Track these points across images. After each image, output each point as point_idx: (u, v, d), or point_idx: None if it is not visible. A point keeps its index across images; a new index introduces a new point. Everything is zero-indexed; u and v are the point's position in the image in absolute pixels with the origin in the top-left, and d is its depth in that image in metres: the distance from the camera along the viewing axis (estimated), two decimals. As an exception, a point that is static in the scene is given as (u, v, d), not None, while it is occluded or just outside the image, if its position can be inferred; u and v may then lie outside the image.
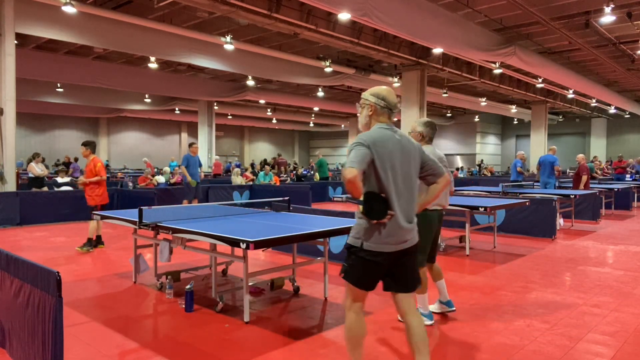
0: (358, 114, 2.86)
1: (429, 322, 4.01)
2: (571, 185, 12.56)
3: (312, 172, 23.98)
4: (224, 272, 5.70)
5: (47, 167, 15.56)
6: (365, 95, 2.81)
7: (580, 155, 12.24)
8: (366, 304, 2.81)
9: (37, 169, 12.25)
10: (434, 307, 4.33)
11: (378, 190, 2.62)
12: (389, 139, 2.68)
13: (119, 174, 21.96)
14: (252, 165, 19.92)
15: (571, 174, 19.48)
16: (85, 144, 7.31)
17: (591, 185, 12.87)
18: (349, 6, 9.53)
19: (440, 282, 4.28)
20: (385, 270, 2.69)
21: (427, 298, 4.05)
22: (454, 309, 4.30)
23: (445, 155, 4.28)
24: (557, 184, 12.05)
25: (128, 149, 33.76)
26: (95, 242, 7.28)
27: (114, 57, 17.40)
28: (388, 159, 2.63)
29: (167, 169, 19.15)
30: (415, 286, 2.79)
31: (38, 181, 12.28)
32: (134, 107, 25.82)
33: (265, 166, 19.80)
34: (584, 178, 11.73)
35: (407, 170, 2.71)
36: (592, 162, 20.14)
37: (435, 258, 4.27)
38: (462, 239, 7.57)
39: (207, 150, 24.18)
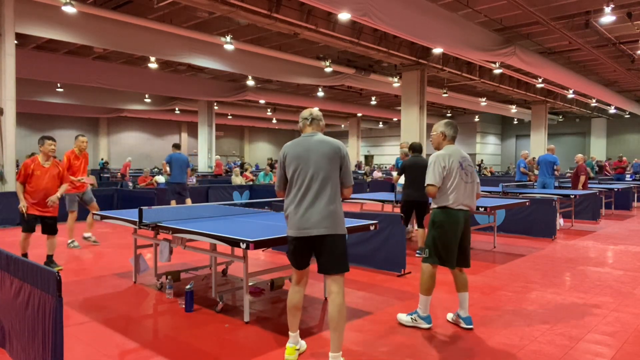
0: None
1: (425, 326, 3.93)
2: (569, 185, 12.55)
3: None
4: (224, 272, 5.70)
5: None
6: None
7: (579, 156, 12.15)
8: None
9: None
10: (450, 317, 4.14)
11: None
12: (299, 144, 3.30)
13: (119, 173, 21.95)
14: (242, 165, 19.71)
15: (568, 174, 19.49)
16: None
17: (591, 185, 12.87)
18: (349, 6, 9.53)
19: (463, 294, 3.99)
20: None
21: (429, 301, 3.95)
22: (472, 327, 3.96)
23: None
24: (556, 184, 12.01)
25: (128, 149, 33.77)
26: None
27: (114, 57, 17.41)
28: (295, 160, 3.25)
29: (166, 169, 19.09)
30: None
31: None
32: (134, 107, 25.83)
33: (266, 166, 19.80)
34: (582, 178, 11.64)
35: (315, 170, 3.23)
36: (590, 159, 20.17)
37: (467, 264, 4.01)
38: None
39: (207, 150, 24.18)
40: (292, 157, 3.24)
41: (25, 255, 5.95)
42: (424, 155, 7.56)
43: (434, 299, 4.53)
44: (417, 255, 6.86)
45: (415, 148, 6.98)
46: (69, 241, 7.47)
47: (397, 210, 7.42)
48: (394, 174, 8.26)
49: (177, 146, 10.83)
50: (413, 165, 6.83)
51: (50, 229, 5.91)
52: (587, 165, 18.31)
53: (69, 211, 7.54)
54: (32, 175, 5.79)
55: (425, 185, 3.91)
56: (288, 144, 3.32)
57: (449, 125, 4.10)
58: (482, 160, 32.87)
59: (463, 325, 3.96)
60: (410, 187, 6.82)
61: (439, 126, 4.10)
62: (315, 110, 3.42)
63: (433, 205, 3.99)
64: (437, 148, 4.10)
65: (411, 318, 3.98)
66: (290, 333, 3.34)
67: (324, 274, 3.30)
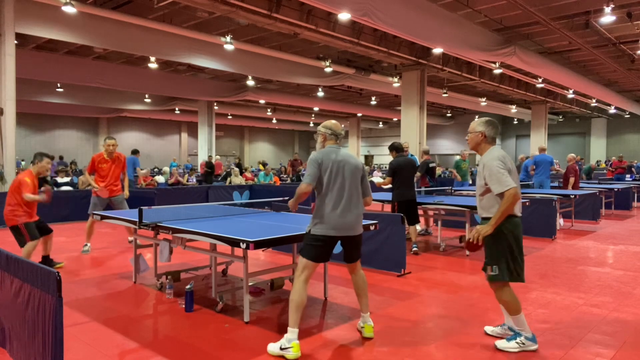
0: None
1: (533, 347, 3.48)
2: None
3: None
4: (224, 272, 5.70)
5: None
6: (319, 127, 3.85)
7: (570, 155, 11.80)
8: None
9: None
10: (492, 330, 3.83)
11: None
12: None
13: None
14: (238, 165, 19.34)
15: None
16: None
17: (591, 185, 12.85)
18: (349, 6, 9.53)
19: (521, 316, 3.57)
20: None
21: (523, 317, 3.51)
22: (536, 346, 3.59)
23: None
24: (555, 184, 11.95)
25: (128, 149, 33.72)
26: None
27: (114, 57, 17.40)
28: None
29: (166, 169, 19.15)
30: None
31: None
32: (134, 107, 25.82)
33: (266, 166, 19.77)
34: (571, 180, 11.36)
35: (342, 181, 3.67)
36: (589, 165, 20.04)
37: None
38: (462, 239, 7.58)
39: (207, 150, 24.19)
40: (329, 163, 3.61)
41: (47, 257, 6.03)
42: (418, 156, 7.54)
43: (426, 297, 4.53)
44: (412, 252, 6.90)
45: (398, 148, 6.98)
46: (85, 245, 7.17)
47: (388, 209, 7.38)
48: (379, 179, 8.12)
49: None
50: (402, 166, 6.83)
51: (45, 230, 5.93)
52: (584, 171, 18.26)
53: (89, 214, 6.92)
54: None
55: (503, 191, 3.32)
56: (323, 151, 3.69)
57: (490, 125, 3.62)
58: (482, 160, 32.82)
59: (532, 348, 3.50)
60: (402, 186, 6.82)
61: (478, 125, 3.64)
62: (341, 126, 3.86)
63: (489, 214, 3.47)
64: (474, 149, 3.67)
65: (516, 343, 3.47)
66: (294, 329, 3.42)
67: (350, 263, 3.85)
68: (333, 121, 3.88)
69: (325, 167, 3.59)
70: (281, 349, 3.36)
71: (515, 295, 3.49)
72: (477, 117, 33.73)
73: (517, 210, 3.49)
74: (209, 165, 18.14)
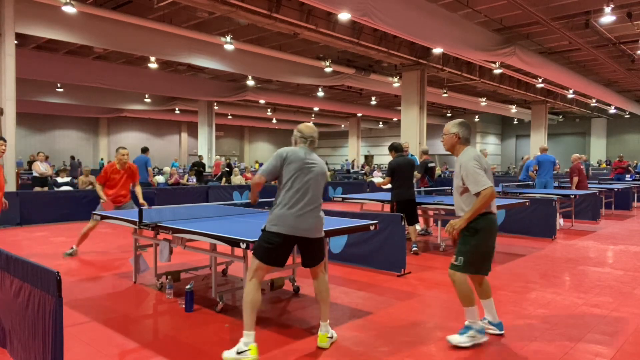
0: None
1: (484, 339, 3.58)
2: (569, 185, 12.45)
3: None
4: (224, 272, 5.70)
5: (52, 166, 15.54)
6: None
7: (575, 155, 11.73)
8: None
9: (41, 168, 12.16)
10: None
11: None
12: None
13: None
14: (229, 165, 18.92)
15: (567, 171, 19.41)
16: None
17: (591, 186, 12.83)
18: (349, 6, 9.53)
19: (490, 301, 3.81)
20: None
21: (475, 310, 3.59)
22: (503, 332, 3.81)
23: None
24: (555, 184, 11.90)
25: (128, 149, 33.71)
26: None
27: (114, 57, 17.41)
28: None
29: (167, 169, 19.13)
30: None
31: (41, 180, 12.18)
32: (134, 107, 25.84)
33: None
34: (575, 179, 11.32)
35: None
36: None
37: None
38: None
39: (207, 150, 24.20)
40: (295, 159, 3.47)
41: None
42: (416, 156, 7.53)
43: (426, 297, 4.53)
44: (412, 252, 6.90)
45: (398, 148, 6.99)
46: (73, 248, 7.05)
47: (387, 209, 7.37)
48: (379, 179, 8.10)
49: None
50: (401, 166, 6.84)
51: None
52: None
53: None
54: None
55: (481, 190, 3.45)
56: (292, 148, 3.56)
57: (464, 126, 3.74)
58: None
59: (496, 331, 3.76)
60: (402, 186, 6.84)
61: (452, 126, 3.74)
62: (316, 130, 3.70)
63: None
64: (450, 150, 3.79)
65: (468, 337, 3.54)
66: (250, 332, 3.29)
67: (307, 267, 3.62)
68: (305, 124, 3.70)
69: (289, 162, 3.45)
70: (238, 353, 3.21)
71: (471, 288, 3.60)
72: (476, 117, 33.81)
73: (493, 208, 3.66)
74: (198, 164, 18.04)
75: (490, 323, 3.79)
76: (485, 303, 3.81)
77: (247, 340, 3.26)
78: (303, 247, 3.53)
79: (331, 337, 3.60)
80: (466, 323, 3.59)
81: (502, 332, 3.80)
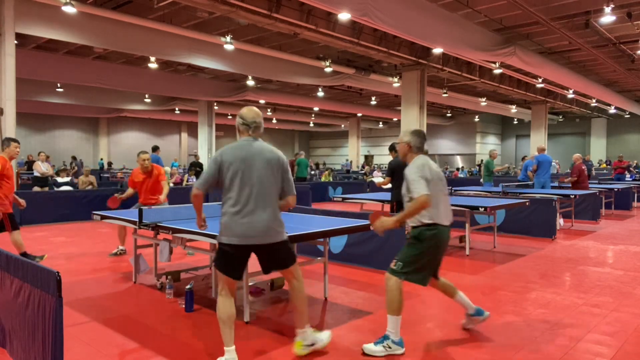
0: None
1: (400, 351, 3.42)
2: (570, 185, 12.44)
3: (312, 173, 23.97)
4: (224, 272, 5.68)
5: (53, 166, 15.51)
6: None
7: (576, 155, 11.69)
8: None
9: (42, 168, 12.16)
10: (465, 323, 3.94)
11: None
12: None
13: (119, 173, 21.97)
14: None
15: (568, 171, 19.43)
16: None
17: (591, 186, 12.82)
18: (349, 6, 9.53)
19: (460, 295, 3.81)
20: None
21: (399, 321, 3.46)
22: (488, 313, 3.89)
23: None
24: (555, 184, 11.91)
25: (128, 149, 33.77)
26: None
27: (114, 57, 17.40)
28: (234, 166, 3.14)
29: (167, 168, 19.08)
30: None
31: (42, 180, 12.16)
32: (134, 107, 25.84)
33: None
34: (573, 179, 11.29)
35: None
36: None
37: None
38: (462, 239, 7.57)
39: (207, 150, 24.20)
40: (231, 160, 3.11)
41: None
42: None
43: (426, 297, 4.52)
44: None
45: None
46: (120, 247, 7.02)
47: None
48: (379, 179, 8.11)
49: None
50: (401, 166, 6.84)
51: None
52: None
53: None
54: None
55: (415, 196, 3.38)
56: (228, 147, 3.19)
57: (416, 135, 3.70)
58: (482, 161, 32.74)
59: (481, 318, 3.83)
60: (401, 186, 6.83)
61: (405, 135, 3.72)
62: (260, 114, 3.29)
63: (416, 223, 3.54)
64: (403, 159, 3.79)
65: (383, 347, 3.40)
66: (230, 347, 3.14)
67: (273, 271, 3.37)
68: (248, 107, 3.30)
69: (226, 165, 3.10)
70: None
71: (402, 297, 3.45)
72: (476, 117, 33.81)
73: (444, 219, 3.57)
74: (196, 164, 17.97)
75: (472, 315, 3.82)
76: (457, 299, 3.79)
77: (229, 357, 3.11)
78: (260, 254, 3.24)
79: (311, 345, 3.35)
80: (386, 332, 3.45)
81: (486, 314, 3.83)
